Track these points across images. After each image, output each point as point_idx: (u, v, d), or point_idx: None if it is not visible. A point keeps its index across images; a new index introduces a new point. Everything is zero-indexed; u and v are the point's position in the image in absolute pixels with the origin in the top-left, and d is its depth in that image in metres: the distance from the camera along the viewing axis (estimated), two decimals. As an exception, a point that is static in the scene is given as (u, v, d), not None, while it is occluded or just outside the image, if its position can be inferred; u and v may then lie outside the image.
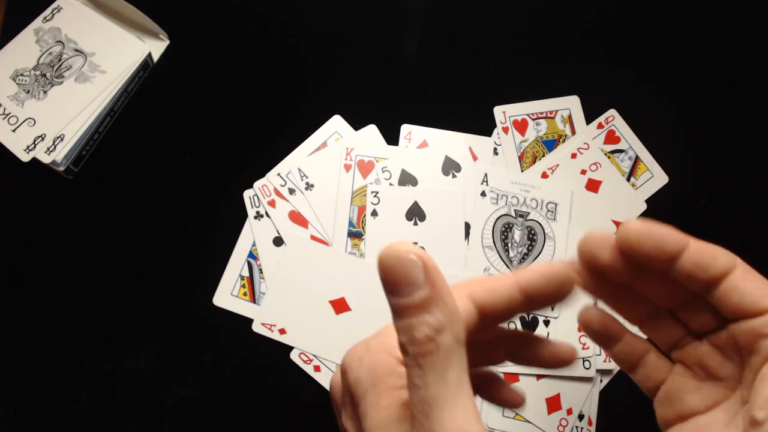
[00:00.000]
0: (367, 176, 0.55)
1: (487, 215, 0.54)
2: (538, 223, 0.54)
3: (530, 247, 0.53)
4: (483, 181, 0.54)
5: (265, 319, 0.52)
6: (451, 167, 0.55)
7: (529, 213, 0.54)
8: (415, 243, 0.53)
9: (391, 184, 0.54)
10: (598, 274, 0.26)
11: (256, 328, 0.52)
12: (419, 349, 0.21)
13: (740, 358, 0.26)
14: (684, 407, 0.27)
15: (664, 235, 0.24)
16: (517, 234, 0.54)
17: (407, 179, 0.55)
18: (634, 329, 0.30)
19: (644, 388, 0.30)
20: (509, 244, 0.53)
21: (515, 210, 0.54)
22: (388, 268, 0.22)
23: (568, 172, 0.56)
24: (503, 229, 0.54)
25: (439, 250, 0.53)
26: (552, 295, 0.25)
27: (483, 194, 0.54)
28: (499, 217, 0.54)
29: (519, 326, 0.52)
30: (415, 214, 0.54)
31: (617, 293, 0.28)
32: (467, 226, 0.54)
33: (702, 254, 0.24)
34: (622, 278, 0.26)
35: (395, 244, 0.22)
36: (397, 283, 0.22)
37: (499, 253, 0.53)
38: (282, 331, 0.52)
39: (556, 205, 0.54)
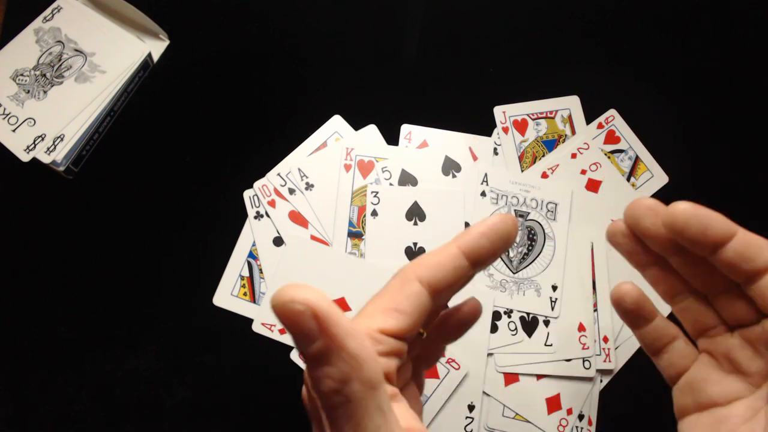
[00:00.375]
0: (367, 176, 0.55)
1: (487, 215, 0.54)
2: (538, 223, 0.54)
3: (530, 247, 0.53)
4: (483, 181, 0.54)
5: (265, 319, 0.52)
6: (451, 167, 0.55)
7: (529, 213, 0.54)
8: (415, 243, 0.53)
9: (391, 184, 0.54)
10: (639, 239, 0.26)
11: (256, 328, 0.52)
12: (327, 402, 0.20)
13: None
14: (704, 397, 0.27)
15: (712, 220, 0.23)
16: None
17: (407, 179, 0.55)
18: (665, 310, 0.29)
19: (665, 375, 0.29)
20: (509, 244, 0.53)
21: (515, 210, 0.54)
22: (279, 317, 0.20)
23: (568, 172, 0.56)
24: (503, 229, 0.54)
25: (439, 250, 0.53)
26: (497, 251, 0.25)
27: (483, 194, 0.54)
28: (499, 217, 0.54)
29: (519, 325, 0.52)
30: (415, 214, 0.54)
31: (654, 265, 0.27)
32: (467, 226, 0.54)
33: (748, 245, 0.23)
34: (664, 250, 0.26)
35: (282, 290, 0.20)
36: (291, 333, 0.20)
37: (499, 253, 0.53)
38: (282, 331, 0.52)
39: (556, 205, 0.54)
